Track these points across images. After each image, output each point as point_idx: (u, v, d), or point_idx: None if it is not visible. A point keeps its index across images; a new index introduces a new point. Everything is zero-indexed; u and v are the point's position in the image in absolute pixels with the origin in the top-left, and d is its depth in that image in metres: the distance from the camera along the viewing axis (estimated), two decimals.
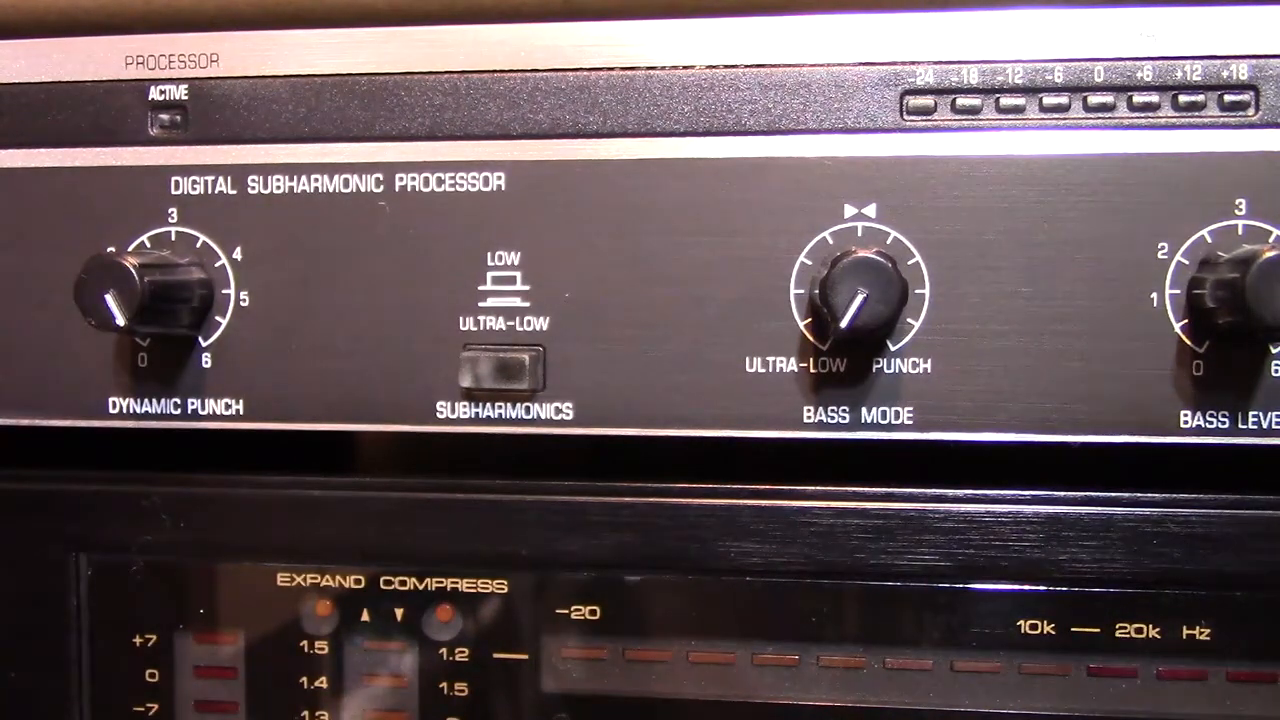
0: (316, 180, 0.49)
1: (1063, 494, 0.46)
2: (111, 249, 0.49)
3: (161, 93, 0.49)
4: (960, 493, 0.47)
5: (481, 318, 0.48)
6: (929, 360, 0.46)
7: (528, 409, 0.48)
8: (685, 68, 0.47)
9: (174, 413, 0.49)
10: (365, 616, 0.50)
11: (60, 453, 0.53)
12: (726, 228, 0.47)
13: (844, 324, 0.43)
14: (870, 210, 0.46)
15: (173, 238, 0.49)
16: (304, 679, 0.50)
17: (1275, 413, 0.45)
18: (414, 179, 0.48)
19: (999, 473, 0.48)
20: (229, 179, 0.49)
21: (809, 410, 0.47)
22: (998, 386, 0.46)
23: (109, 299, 0.45)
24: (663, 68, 0.47)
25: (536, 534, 0.48)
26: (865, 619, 0.48)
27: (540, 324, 0.48)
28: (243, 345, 0.49)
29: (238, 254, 0.49)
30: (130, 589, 0.50)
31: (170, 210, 0.49)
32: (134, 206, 0.49)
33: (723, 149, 0.47)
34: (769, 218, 0.47)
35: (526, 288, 0.48)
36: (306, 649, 0.50)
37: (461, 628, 0.49)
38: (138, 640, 0.51)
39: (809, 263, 0.46)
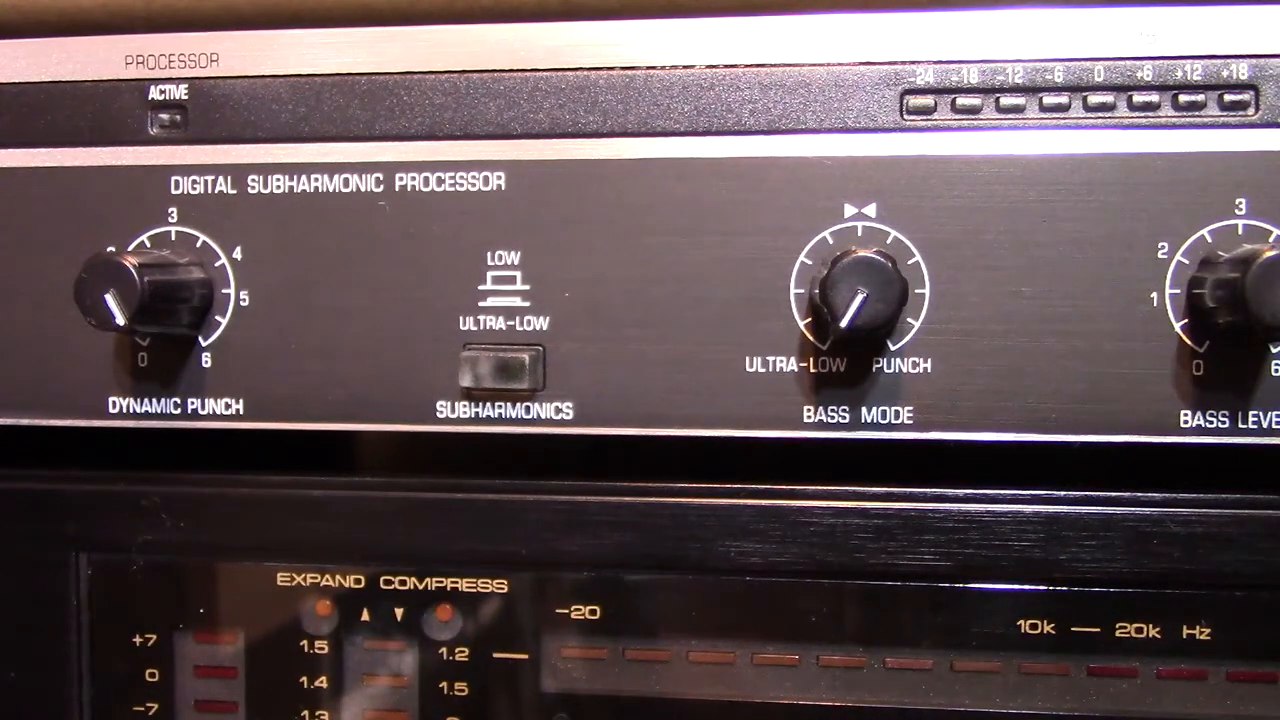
0: (316, 180, 0.49)
1: (1063, 494, 0.46)
2: (111, 249, 0.49)
3: (161, 92, 0.49)
4: (960, 493, 0.47)
5: (481, 317, 0.48)
6: (929, 360, 0.46)
7: (528, 409, 0.48)
8: (685, 68, 0.47)
9: (174, 412, 0.49)
10: (365, 616, 0.50)
11: (60, 453, 0.53)
12: (726, 228, 0.47)
13: (844, 324, 0.43)
14: (870, 210, 0.46)
15: (173, 237, 0.49)
16: (304, 679, 0.50)
17: (1275, 412, 0.45)
18: (414, 179, 0.48)
19: (999, 473, 0.48)
20: (229, 179, 0.49)
21: (809, 410, 0.47)
22: (998, 386, 0.46)
23: (109, 299, 0.45)
24: (663, 68, 0.47)
25: (536, 534, 0.48)
26: (865, 619, 0.48)
27: (540, 324, 0.48)
28: (243, 345, 0.49)
29: (238, 254, 0.49)
30: (130, 589, 0.50)
31: (170, 210, 0.49)
32: (134, 206, 0.49)
33: (723, 149, 0.47)
34: (769, 218, 0.47)
35: (526, 287, 0.48)
36: (306, 649, 0.50)
37: (461, 628, 0.49)
38: (138, 640, 0.51)
39: (809, 262, 0.46)
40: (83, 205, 0.50)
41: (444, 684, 0.49)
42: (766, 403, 0.47)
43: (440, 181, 0.48)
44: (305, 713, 0.50)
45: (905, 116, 0.46)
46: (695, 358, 0.47)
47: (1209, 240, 0.45)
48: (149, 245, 0.49)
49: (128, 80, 0.50)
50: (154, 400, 0.49)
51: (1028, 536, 0.46)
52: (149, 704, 0.51)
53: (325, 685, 0.50)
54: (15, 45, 0.50)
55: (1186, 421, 0.46)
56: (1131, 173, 0.45)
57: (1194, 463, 0.48)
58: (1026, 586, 0.47)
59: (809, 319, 0.47)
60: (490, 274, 0.48)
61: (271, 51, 0.49)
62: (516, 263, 0.48)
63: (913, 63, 0.46)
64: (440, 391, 0.48)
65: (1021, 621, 0.47)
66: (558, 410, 0.48)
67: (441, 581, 0.49)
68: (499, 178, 0.48)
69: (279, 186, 0.49)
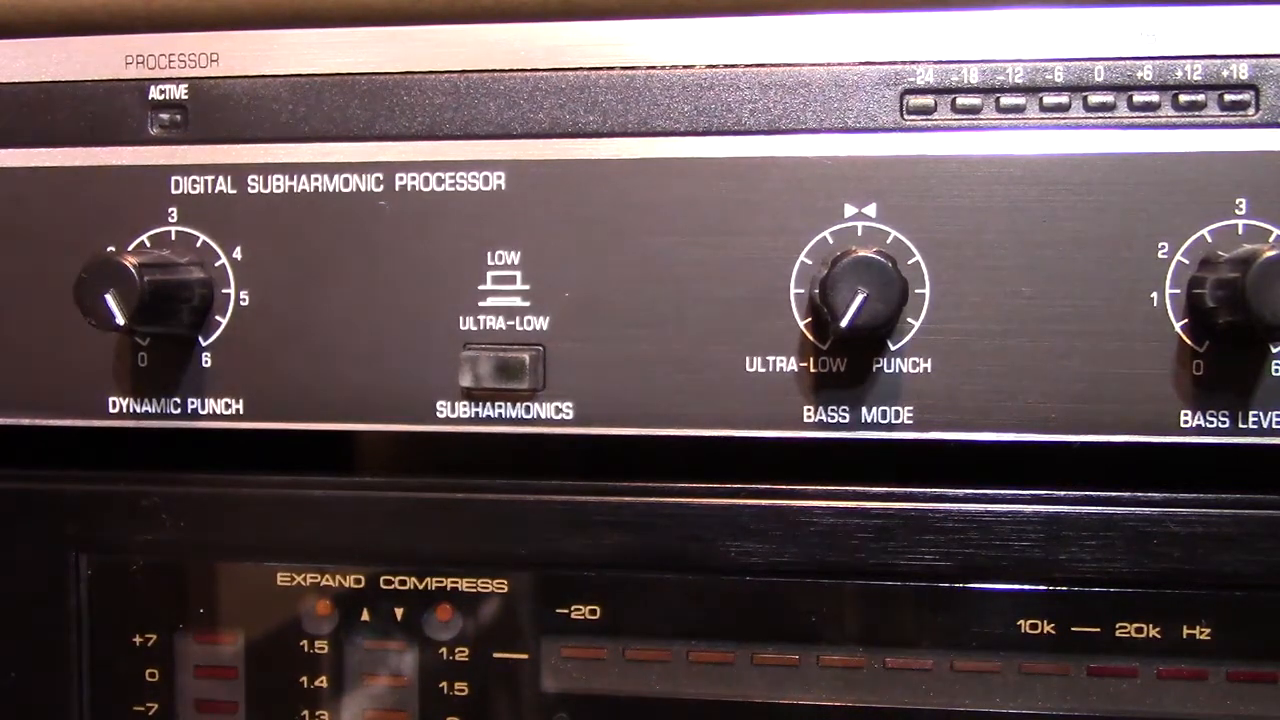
0: (316, 180, 0.49)
1: (1063, 494, 0.46)
2: (111, 249, 0.49)
3: (161, 92, 0.49)
4: (960, 493, 0.47)
5: (481, 317, 0.48)
6: (929, 360, 0.46)
7: (528, 409, 0.48)
8: (685, 68, 0.47)
9: (174, 412, 0.49)
10: (365, 616, 0.50)
11: (60, 453, 0.53)
12: (726, 228, 0.47)
13: (844, 323, 0.43)
14: (870, 210, 0.46)
15: (173, 237, 0.49)
16: (304, 679, 0.50)
17: (1275, 412, 0.45)
18: (414, 179, 0.48)
19: (999, 473, 0.48)
20: (229, 179, 0.49)
21: (809, 410, 0.47)
22: (998, 386, 0.46)
23: (109, 299, 0.45)
24: (663, 68, 0.47)
25: (536, 534, 0.48)
26: (865, 619, 0.48)
27: (540, 324, 0.48)
28: (243, 345, 0.49)
29: (238, 254, 0.49)
30: (130, 589, 0.50)
31: (170, 210, 0.49)
32: (134, 206, 0.49)
33: (723, 149, 0.47)
34: (769, 218, 0.47)
35: (526, 287, 0.48)
36: (306, 649, 0.50)
37: (461, 627, 0.49)
38: (138, 640, 0.51)
39: (809, 262, 0.46)
40: (83, 205, 0.50)
41: (444, 684, 0.49)
42: (766, 403, 0.47)
43: (440, 181, 0.48)
44: (305, 713, 0.50)
45: (905, 116, 0.46)
46: (695, 358, 0.47)
47: (1209, 240, 0.45)
48: (149, 245, 0.49)
49: (128, 80, 0.50)
50: (154, 400, 0.49)
51: (1028, 536, 0.46)
52: (149, 704, 0.51)
53: (325, 685, 0.50)
54: (15, 45, 0.50)
55: (1186, 421, 0.46)
56: (1131, 173, 0.45)
57: (1194, 463, 0.48)
58: (1026, 586, 0.47)
59: (809, 319, 0.47)
60: (490, 274, 0.48)
61: (271, 51, 0.49)
62: (516, 263, 0.48)
63: (913, 63, 0.46)
64: (440, 391, 0.48)
65: (1021, 621, 0.47)
66: (558, 410, 0.48)
67: (441, 581, 0.49)
68: (499, 178, 0.48)
69: (279, 186, 0.49)
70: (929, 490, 0.47)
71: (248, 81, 0.49)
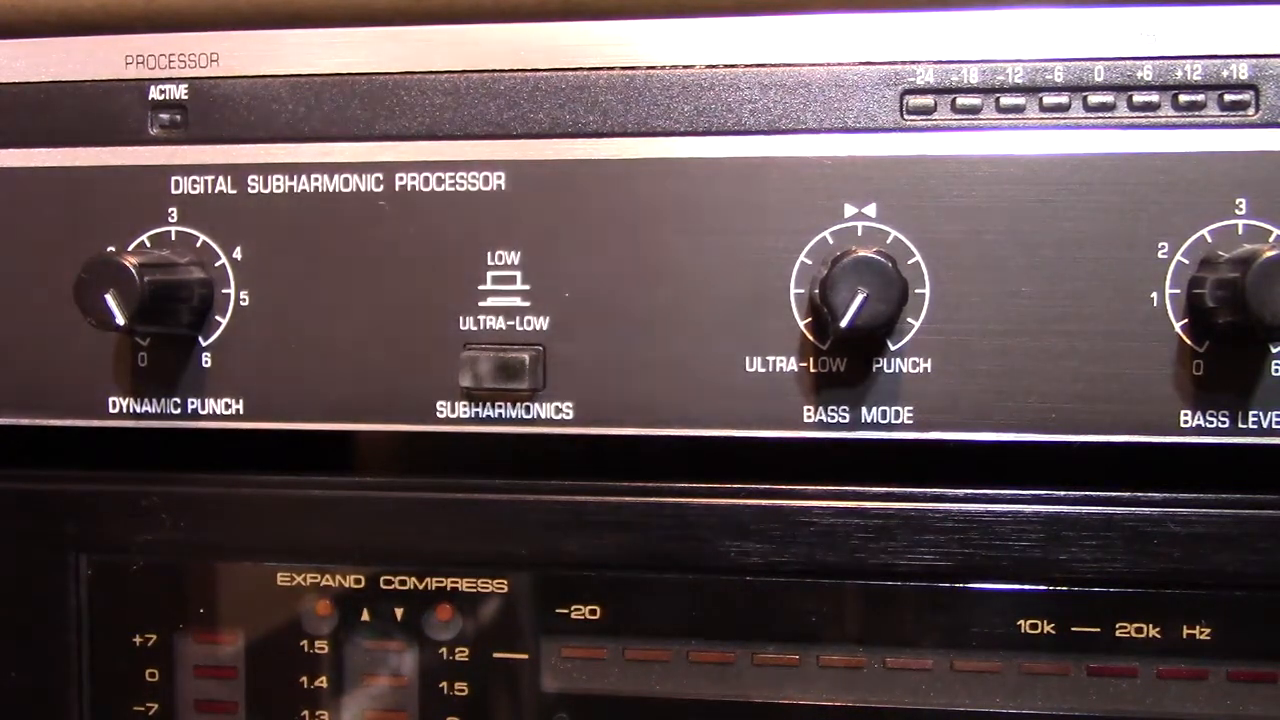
0: (316, 180, 0.49)
1: (1063, 494, 0.46)
2: (111, 249, 0.49)
3: (161, 92, 0.49)
4: (960, 493, 0.47)
5: (481, 317, 0.48)
6: (929, 360, 0.46)
7: (528, 409, 0.48)
8: (685, 68, 0.47)
9: (174, 412, 0.49)
10: (365, 616, 0.50)
11: (60, 453, 0.53)
12: (726, 228, 0.47)
13: (844, 324, 0.43)
14: (870, 210, 0.46)
15: (173, 237, 0.49)
16: (304, 679, 0.50)
17: (1275, 412, 0.45)
18: (414, 178, 0.48)
19: (999, 473, 0.48)
20: (229, 179, 0.49)
21: (809, 410, 0.47)
22: (998, 386, 0.46)
23: (109, 299, 0.45)
24: (663, 68, 0.47)
25: (536, 534, 0.48)
26: (865, 619, 0.48)
27: (540, 324, 0.48)
28: (243, 345, 0.49)
29: (238, 254, 0.49)
30: (130, 589, 0.50)
31: (170, 210, 0.49)
32: (134, 206, 0.49)
33: (723, 149, 0.47)
34: (769, 218, 0.47)
35: (526, 287, 0.48)
36: (306, 649, 0.50)
37: (461, 627, 0.49)
38: (138, 640, 0.51)
39: (809, 262, 0.46)
40: (83, 205, 0.50)
41: (444, 684, 0.49)
42: (766, 403, 0.47)
43: (440, 181, 0.48)
44: (305, 713, 0.50)
45: (905, 116, 0.46)
46: (695, 358, 0.47)
47: (1209, 240, 0.45)
48: (149, 245, 0.49)
49: (128, 80, 0.50)
50: (154, 400, 0.49)
51: (1028, 536, 0.46)
52: (149, 704, 0.51)
53: (325, 685, 0.50)
54: (15, 45, 0.50)
55: (1186, 421, 0.46)
56: (1131, 173, 0.45)
57: (1194, 463, 0.48)
58: (1026, 586, 0.47)
59: (809, 319, 0.47)
60: (490, 274, 0.48)
61: (271, 51, 0.49)
62: (516, 263, 0.48)
63: (913, 63, 0.46)
64: (440, 391, 0.48)
65: (1021, 621, 0.47)
66: (558, 410, 0.48)
67: (441, 581, 0.49)
68: (499, 178, 0.48)
69: (279, 186, 0.49)
70: (929, 490, 0.47)
71: (248, 81, 0.49)
